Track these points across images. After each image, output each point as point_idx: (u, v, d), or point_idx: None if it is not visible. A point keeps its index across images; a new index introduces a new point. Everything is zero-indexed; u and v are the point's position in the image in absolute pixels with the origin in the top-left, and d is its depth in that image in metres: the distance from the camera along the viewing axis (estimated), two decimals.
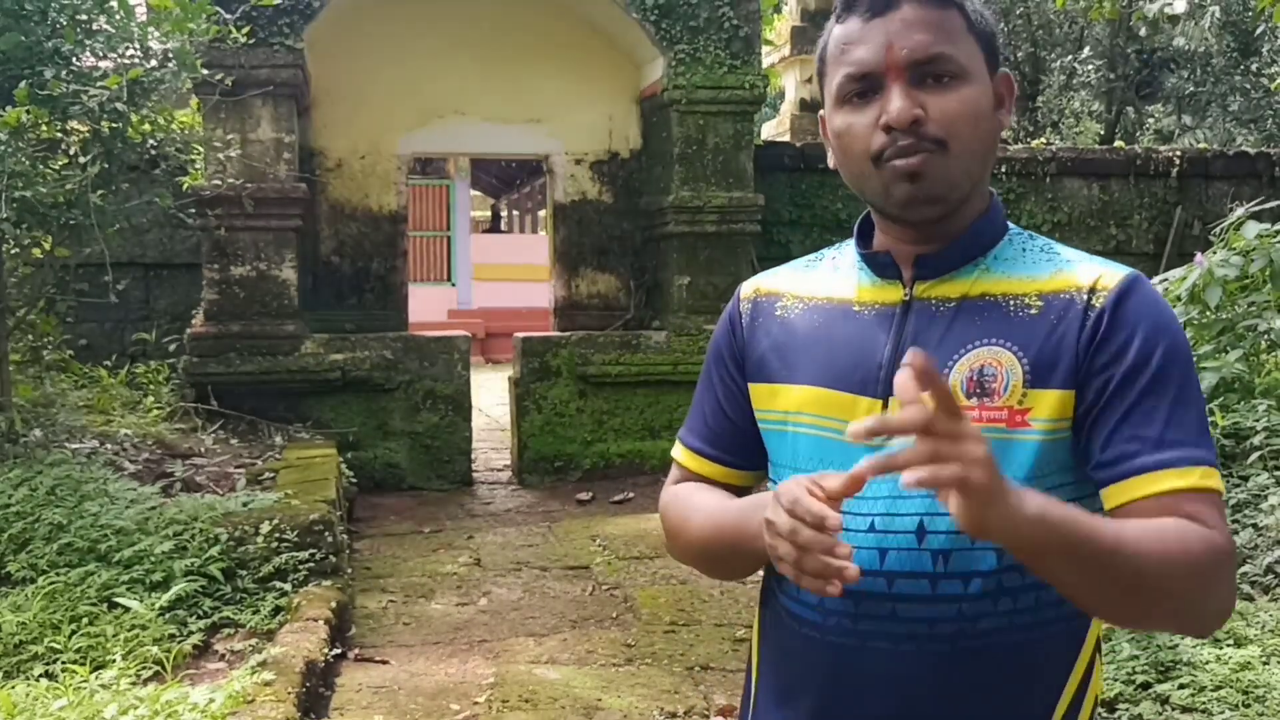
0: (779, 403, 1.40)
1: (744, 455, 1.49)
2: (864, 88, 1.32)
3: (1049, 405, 1.27)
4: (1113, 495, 1.25)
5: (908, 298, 1.36)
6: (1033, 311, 1.31)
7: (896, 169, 1.29)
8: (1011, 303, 1.32)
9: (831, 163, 1.40)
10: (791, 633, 1.38)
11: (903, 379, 1.05)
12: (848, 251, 1.46)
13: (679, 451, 1.54)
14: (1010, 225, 1.40)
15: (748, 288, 1.51)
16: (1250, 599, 4.02)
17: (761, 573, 1.45)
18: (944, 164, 1.29)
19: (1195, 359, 5.41)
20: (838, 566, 1.13)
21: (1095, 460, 1.26)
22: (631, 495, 7.39)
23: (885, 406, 1.31)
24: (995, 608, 1.27)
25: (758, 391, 1.44)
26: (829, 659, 1.33)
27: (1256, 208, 6.21)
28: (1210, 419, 4.82)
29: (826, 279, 1.45)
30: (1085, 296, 1.29)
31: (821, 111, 1.42)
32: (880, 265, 1.38)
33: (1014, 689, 1.30)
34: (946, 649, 1.28)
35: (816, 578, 1.14)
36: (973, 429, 1.07)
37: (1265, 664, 3.45)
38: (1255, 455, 4.66)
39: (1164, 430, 1.23)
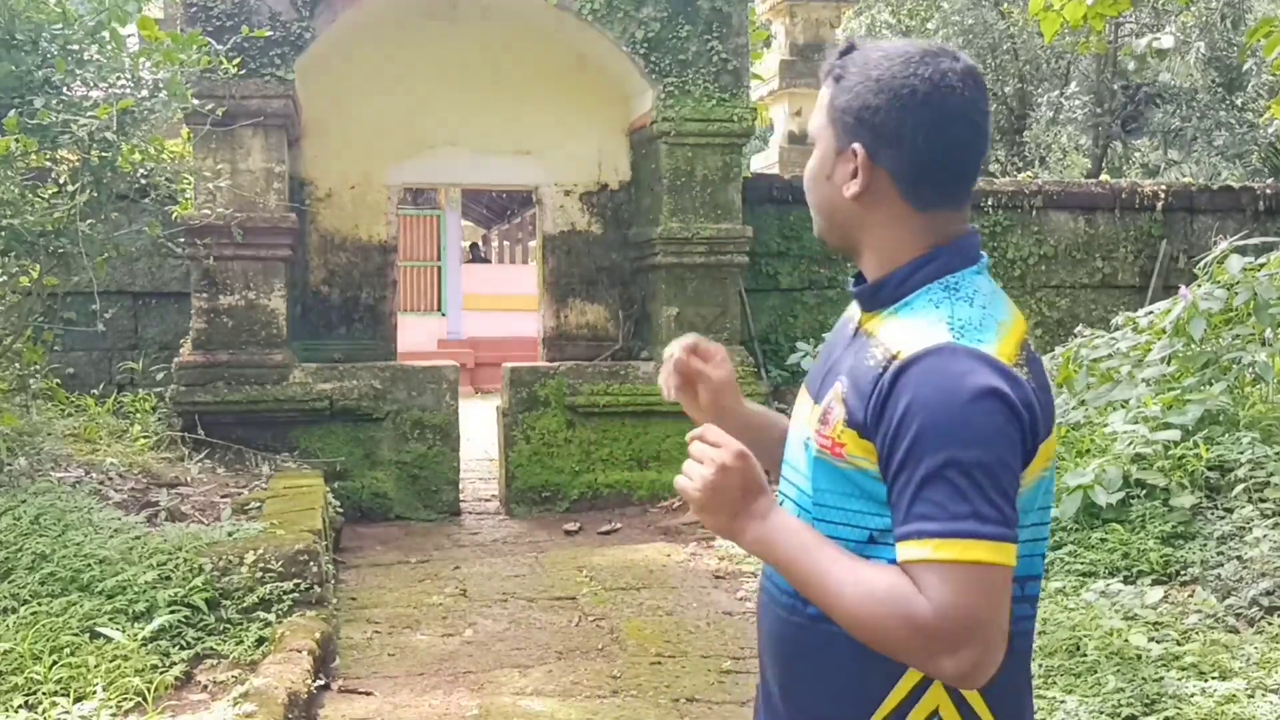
0: None
1: None
2: None
3: (860, 447, 1.41)
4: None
5: (858, 324, 1.55)
6: (871, 362, 1.43)
7: None
8: (871, 347, 1.45)
9: None
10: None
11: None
12: None
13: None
14: (941, 281, 1.46)
15: None
16: (1235, 631, 4.02)
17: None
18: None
19: (1177, 393, 5.37)
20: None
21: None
22: (619, 526, 7.37)
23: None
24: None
25: None
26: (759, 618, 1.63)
27: (1240, 241, 6.26)
28: (1195, 450, 4.85)
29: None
30: (886, 363, 1.40)
31: None
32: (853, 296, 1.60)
33: (840, 676, 1.46)
34: (787, 616, 1.52)
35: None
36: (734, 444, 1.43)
37: (1250, 697, 3.45)
38: (1240, 487, 4.68)
39: (910, 505, 1.34)
